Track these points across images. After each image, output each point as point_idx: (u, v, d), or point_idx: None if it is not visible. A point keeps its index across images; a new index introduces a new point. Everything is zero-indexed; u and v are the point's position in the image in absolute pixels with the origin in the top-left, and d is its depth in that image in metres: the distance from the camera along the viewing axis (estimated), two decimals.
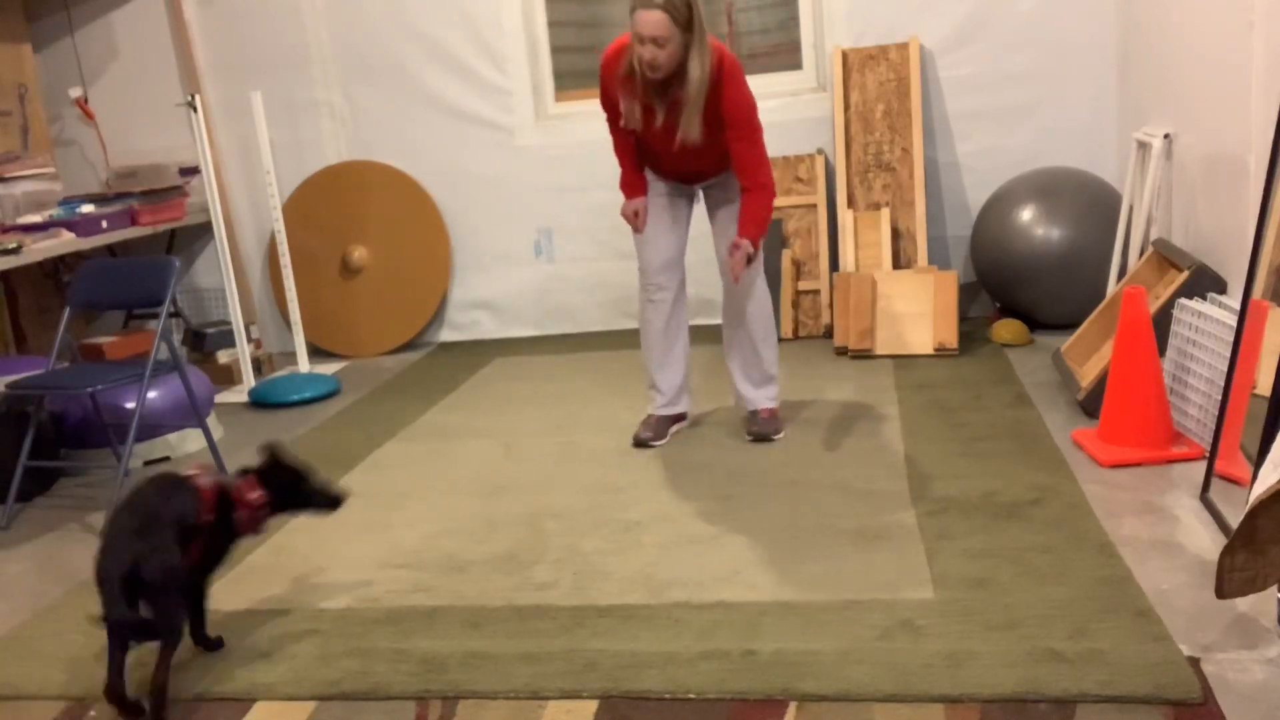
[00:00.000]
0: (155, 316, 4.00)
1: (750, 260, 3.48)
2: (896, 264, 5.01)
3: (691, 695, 2.25)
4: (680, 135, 3.35)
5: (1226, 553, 2.14)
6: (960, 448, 3.51)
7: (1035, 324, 4.79)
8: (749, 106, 3.40)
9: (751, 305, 3.70)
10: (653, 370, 3.82)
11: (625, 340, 5.36)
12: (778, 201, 5.18)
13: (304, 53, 5.57)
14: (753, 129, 3.42)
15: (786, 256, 5.10)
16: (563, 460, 3.75)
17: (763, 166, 3.45)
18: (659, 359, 3.79)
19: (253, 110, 5.03)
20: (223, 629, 2.73)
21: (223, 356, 5.33)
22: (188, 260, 5.92)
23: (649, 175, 3.69)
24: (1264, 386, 2.76)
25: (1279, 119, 2.86)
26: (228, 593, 2.95)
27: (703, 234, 3.96)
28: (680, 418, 3.90)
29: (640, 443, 3.79)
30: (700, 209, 3.79)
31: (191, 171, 5.46)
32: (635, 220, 3.69)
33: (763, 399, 3.79)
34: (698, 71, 3.27)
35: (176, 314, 5.60)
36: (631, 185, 3.68)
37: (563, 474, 3.62)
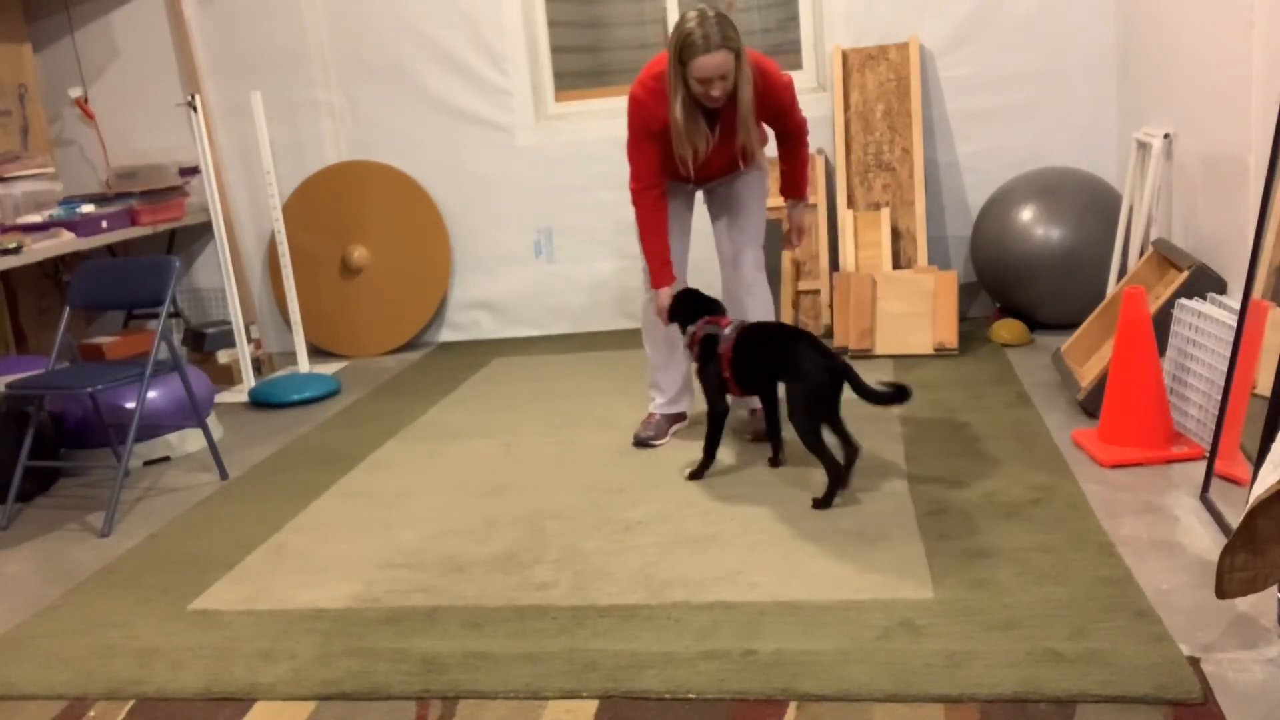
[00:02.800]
0: (155, 316, 4.00)
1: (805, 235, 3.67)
2: (896, 264, 5.01)
3: (691, 695, 2.25)
4: (740, 143, 3.42)
5: (1226, 553, 2.14)
6: (960, 448, 3.51)
7: (1035, 324, 4.79)
8: (793, 93, 3.54)
9: (753, 302, 3.70)
10: (655, 369, 3.82)
11: (625, 340, 5.36)
12: (778, 201, 5.18)
13: (304, 53, 5.57)
14: (797, 106, 3.58)
15: (786, 256, 5.10)
16: (563, 460, 3.75)
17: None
18: (662, 358, 3.79)
19: (253, 110, 5.03)
20: (223, 629, 2.74)
21: (223, 356, 5.33)
22: (188, 260, 5.92)
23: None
24: (1264, 386, 2.76)
25: (1279, 119, 2.86)
26: (228, 592, 2.95)
27: (699, 232, 3.95)
28: (680, 417, 3.90)
29: (641, 442, 3.79)
30: (700, 209, 3.79)
31: (191, 171, 5.46)
32: (665, 315, 3.56)
33: None
34: (748, 91, 3.32)
35: (176, 314, 5.60)
36: (665, 273, 3.53)
37: (563, 474, 3.62)
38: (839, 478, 3.15)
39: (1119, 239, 4.48)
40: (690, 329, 3.46)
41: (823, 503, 3.12)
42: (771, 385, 3.41)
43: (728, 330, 3.37)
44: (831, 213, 5.18)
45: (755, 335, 3.33)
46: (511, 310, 5.70)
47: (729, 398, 3.45)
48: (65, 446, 4.17)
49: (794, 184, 3.71)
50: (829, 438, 3.18)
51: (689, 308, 3.50)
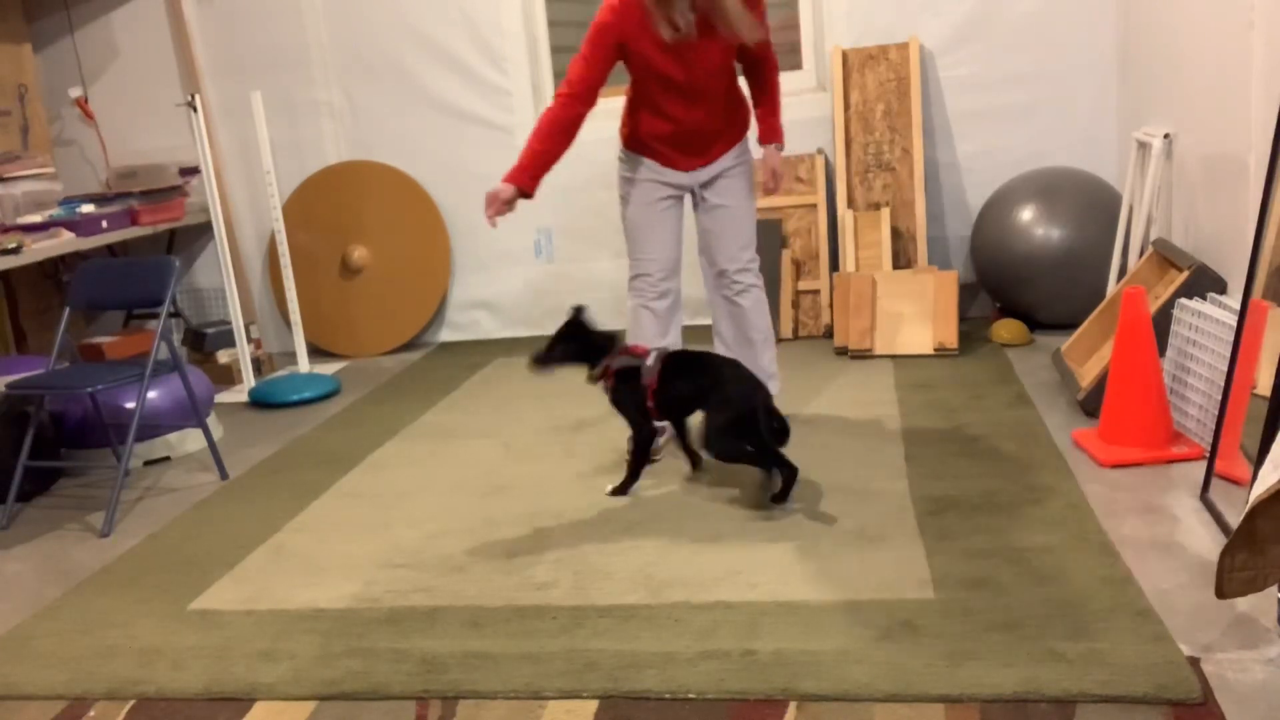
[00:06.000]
0: (155, 316, 4.00)
1: (782, 177, 3.69)
2: (896, 264, 5.01)
3: (691, 695, 2.25)
4: (733, 30, 3.29)
5: (1226, 553, 2.14)
6: (960, 448, 3.50)
7: (1035, 324, 4.79)
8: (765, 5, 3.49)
9: (748, 302, 3.66)
10: None
11: None
12: (777, 201, 5.18)
13: (304, 53, 5.58)
14: (767, 23, 3.51)
15: (786, 256, 5.10)
16: (563, 460, 3.75)
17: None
18: None
19: (253, 110, 5.03)
20: (223, 629, 2.74)
21: (223, 356, 5.33)
22: (188, 260, 5.92)
23: (646, 173, 3.60)
24: (1264, 386, 2.76)
25: (1279, 119, 2.86)
26: (228, 592, 2.95)
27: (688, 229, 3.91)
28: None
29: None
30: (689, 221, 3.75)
31: (191, 171, 5.46)
32: (505, 208, 3.34)
33: None
34: None
35: (176, 314, 5.60)
36: (526, 178, 3.33)
37: (563, 474, 3.62)
38: (791, 473, 3.16)
39: (1119, 239, 4.48)
40: (602, 363, 3.29)
41: (781, 495, 3.16)
42: (692, 411, 3.34)
43: (650, 361, 3.27)
44: (831, 212, 5.18)
45: (681, 363, 3.28)
46: (511, 310, 5.71)
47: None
48: (65, 446, 4.17)
49: (769, 125, 3.64)
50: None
51: (577, 346, 3.31)
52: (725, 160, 3.59)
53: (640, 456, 3.38)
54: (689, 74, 3.39)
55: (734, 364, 3.27)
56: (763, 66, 3.57)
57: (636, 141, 3.59)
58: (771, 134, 3.65)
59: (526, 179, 3.34)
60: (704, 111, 3.48)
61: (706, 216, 3.65)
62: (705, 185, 3.62)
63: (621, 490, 3.37)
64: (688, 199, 3.70)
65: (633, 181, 3.62)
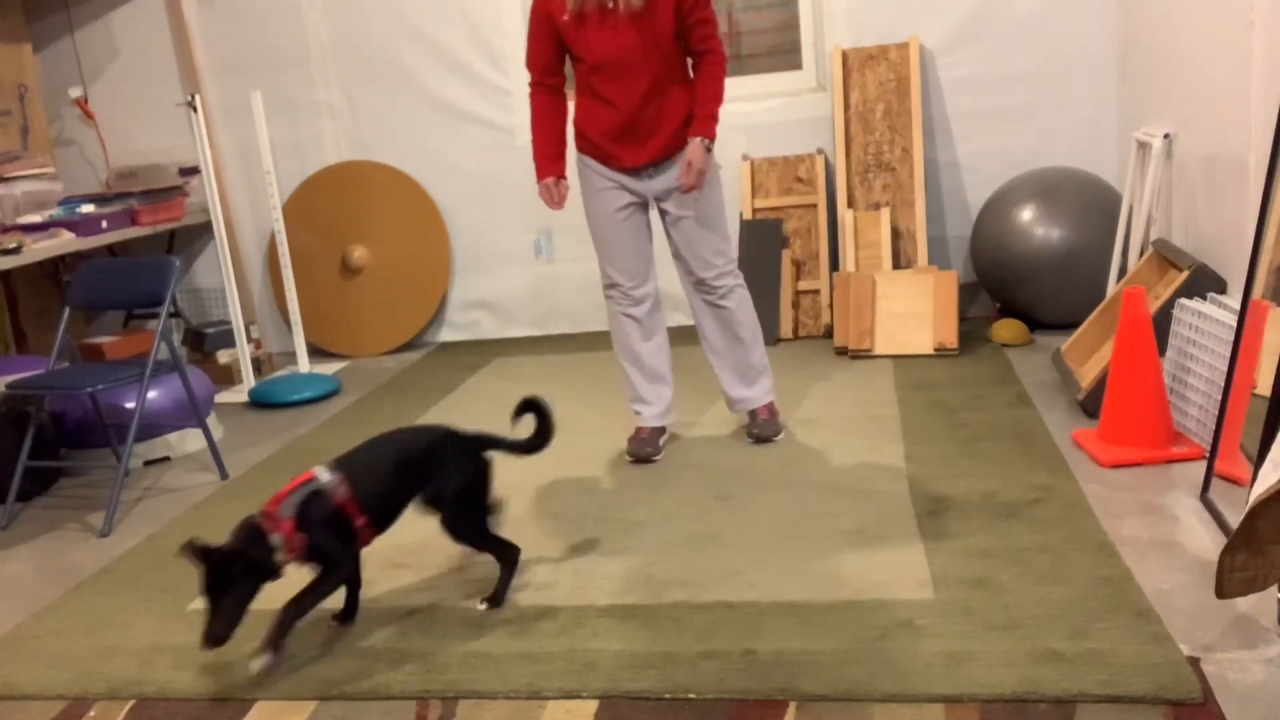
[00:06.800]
0: (155, 316, 4.00)
1: (702, 173, 3.42)
2: (896, 264, 5.01)
3: (691, 695, 2.25)
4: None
5: (1226, 553, 2.14)
6: (960, 448, 3.50)
7: (1035, 324, 4.79)
8: None
9: (733, 301, 3.63)
10: (640, 384, 3.69)
11: None
12: (778, 201, 5.19)
13: (304, 53, 5.58)
14: (711, 9, 3.41)
15: (786, 256, 5.10)
16: (563, 460, 3.75)
17: (718, 31, 3.45)
18: (649, 373, 3.68)
19: (253, 110, 5.03)
20: None
21: (223, 356, 5.33)
22: (188, 260, 5.92)
23: (602, 181, 3.54)
24: (1264, 386, 2.76)
25: (1279, 119, 2.86)
26: None
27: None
28: (664, 430, 3.78)
29: (641, 458, 3.66)
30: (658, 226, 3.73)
31: (191, 171, 5.47)
32: (554, 196, 3.51)
33: (760, 395, 3.74)
34: None
35: (176, 314, 5.60)
36: (549, 168, 3.50)
37: (563, 474, 3.61)
38: (514, 567, 2.77)
39: (1119, 239, 4.48)
40: (273, 547, 2.42)
41: (494, 600, 2.71)
42: (407, 504, 2.68)
43: (324, 476, 2.52)
44: (831, 212, 5.18)
45: (362, 457, 2.64)
46: (511, 310, 5.71)
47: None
48: (65, 446, 4.17)
49: (696, 116, 3.41)
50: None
51: (237, 572, 2.38)
52: (678, 167, 3.47)
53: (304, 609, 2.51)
54: (612, 50, 3.35)
55: (432, 428, 2.80)
56: (702, 58, 3.44)
57: (584, 141, 3.54)
58: (696, 126, 3.40)
59: (550, 167, 3.53)
60: (640, 94, 3.39)
61: (673, 229, 3.58)
62: (664, 198, 3.54)
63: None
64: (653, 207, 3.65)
65: (590, 191, 3.57)
